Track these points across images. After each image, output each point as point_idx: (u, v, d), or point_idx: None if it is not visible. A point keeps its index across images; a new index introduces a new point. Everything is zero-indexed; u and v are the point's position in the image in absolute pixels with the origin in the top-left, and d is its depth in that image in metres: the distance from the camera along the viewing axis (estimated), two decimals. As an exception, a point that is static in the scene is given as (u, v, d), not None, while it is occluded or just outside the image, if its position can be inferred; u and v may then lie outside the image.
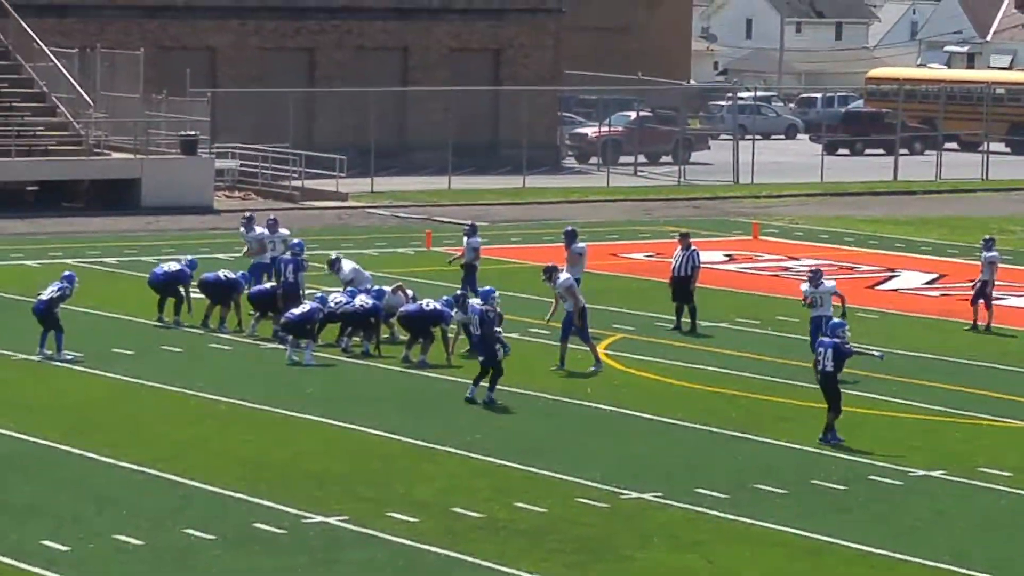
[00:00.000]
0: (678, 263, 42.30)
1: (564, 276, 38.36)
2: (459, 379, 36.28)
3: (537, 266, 49.25)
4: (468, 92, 77.36)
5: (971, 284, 44.26)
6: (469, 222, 47.58)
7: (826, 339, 32.16)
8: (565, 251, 41.89)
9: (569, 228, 42.89)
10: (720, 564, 25.01)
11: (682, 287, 42.18)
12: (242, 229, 44.28)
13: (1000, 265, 44.34)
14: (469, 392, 34.43)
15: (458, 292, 38.20)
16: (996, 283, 43.62)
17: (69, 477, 28.76)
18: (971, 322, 43.15)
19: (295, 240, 41.90)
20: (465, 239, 44.73)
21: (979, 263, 44.04)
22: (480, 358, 34.58)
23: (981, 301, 42.99)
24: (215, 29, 76.91)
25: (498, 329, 35.23)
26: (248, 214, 45.60)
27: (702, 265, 43.23)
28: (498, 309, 36.10)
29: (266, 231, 43.47)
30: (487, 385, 34.23)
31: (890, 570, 24.94)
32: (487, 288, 36.76)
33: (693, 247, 42.84)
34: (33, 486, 28.07)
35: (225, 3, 77.34)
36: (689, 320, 41.99)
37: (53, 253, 52.45)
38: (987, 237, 44.87)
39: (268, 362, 37.95)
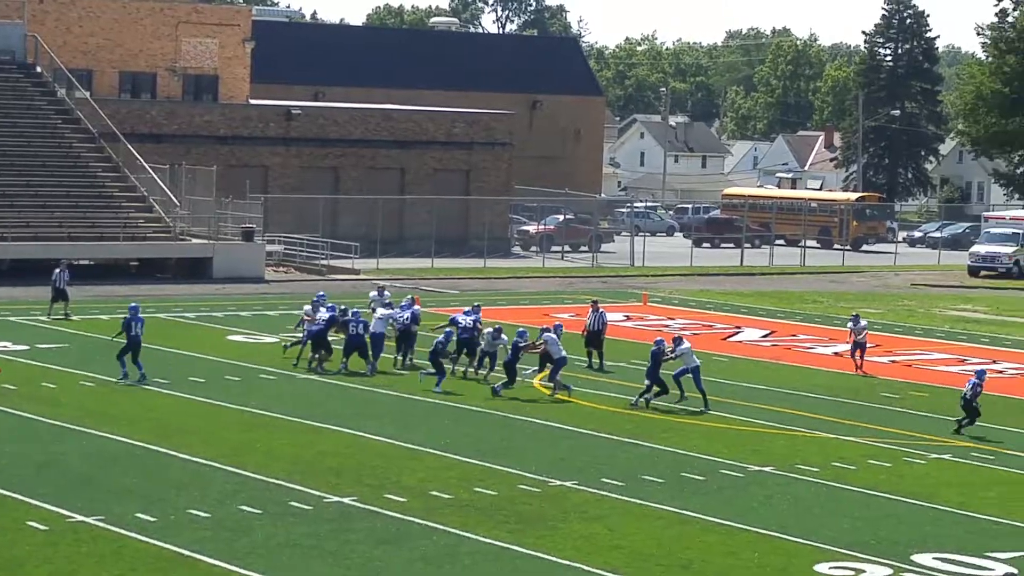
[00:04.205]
0: (591, 321, 42.22)
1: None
2: (438, 401, 36.16)
3: (491, 322, 49.25)
4: (447, 200, 77.36)
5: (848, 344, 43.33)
6: (378, 288, 45.99)
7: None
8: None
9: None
10: (617, 531, 24.88)
11: (595, 338, 42.07)
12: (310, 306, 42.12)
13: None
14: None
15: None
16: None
17: (156, 469, 28.46)
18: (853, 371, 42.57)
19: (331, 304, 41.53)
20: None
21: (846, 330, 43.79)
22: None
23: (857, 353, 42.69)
24: (268, 153, 76.81)
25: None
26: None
27: (608, 323, 43.23)
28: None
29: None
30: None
31: (733, 536, 24.82)
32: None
33: (601, 310, 42.77)
34: (130, 475, 27.77)
35: (275, 135, 77.24)
36: (598, 361, 41.88)
37: (149, 310, 52.10)
38: (855, 314, 44.15)
39: (301, 387, 37.72)
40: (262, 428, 32.50)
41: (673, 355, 36.46)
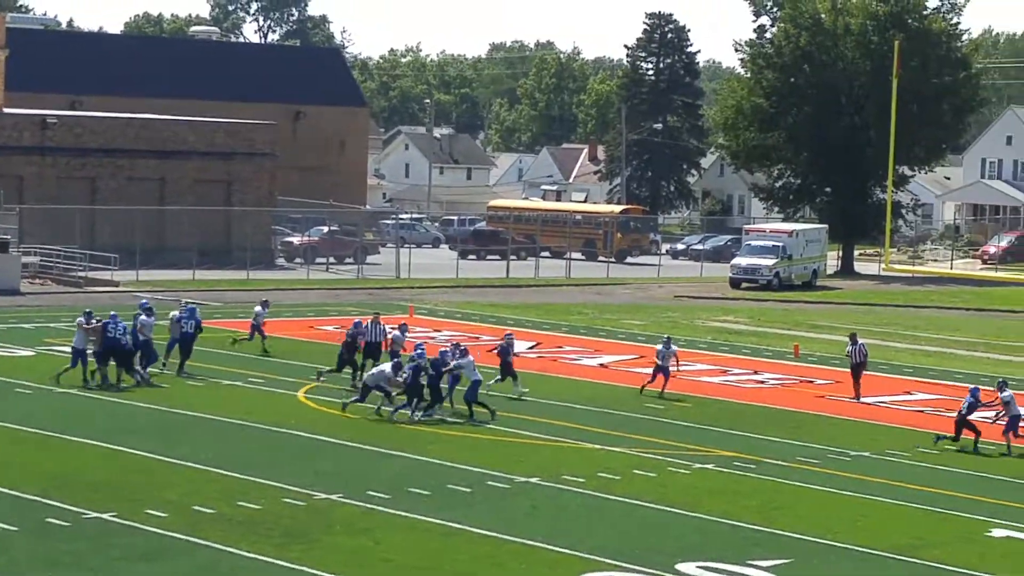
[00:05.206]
0: (371, 332, 41.80)
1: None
2: (200, 414, 35.78)
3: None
4: (208, 211, 76.57)
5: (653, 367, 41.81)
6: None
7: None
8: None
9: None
10: (384, 544, 24.90)
11: (375, 349, 41.65)
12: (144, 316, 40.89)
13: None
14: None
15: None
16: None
17: (-91, 485, 27.74)
18: (658, 389, 41.11)
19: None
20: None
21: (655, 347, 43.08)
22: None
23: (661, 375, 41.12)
24: (23, 162, 75.06)
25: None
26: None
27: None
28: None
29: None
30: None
31: (499, 547, 25.02)
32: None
33: (381, 323, 42.58)
34: None
35: (30, 144, 75.55)
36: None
37: (-100, 323, 50.71)
38: (667, 337, 43.26)
39: (59, 402, 36.98)
40: (18, 444, 31.80)
41: (454, 365, 36.81)
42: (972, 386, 37.11)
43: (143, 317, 40.63)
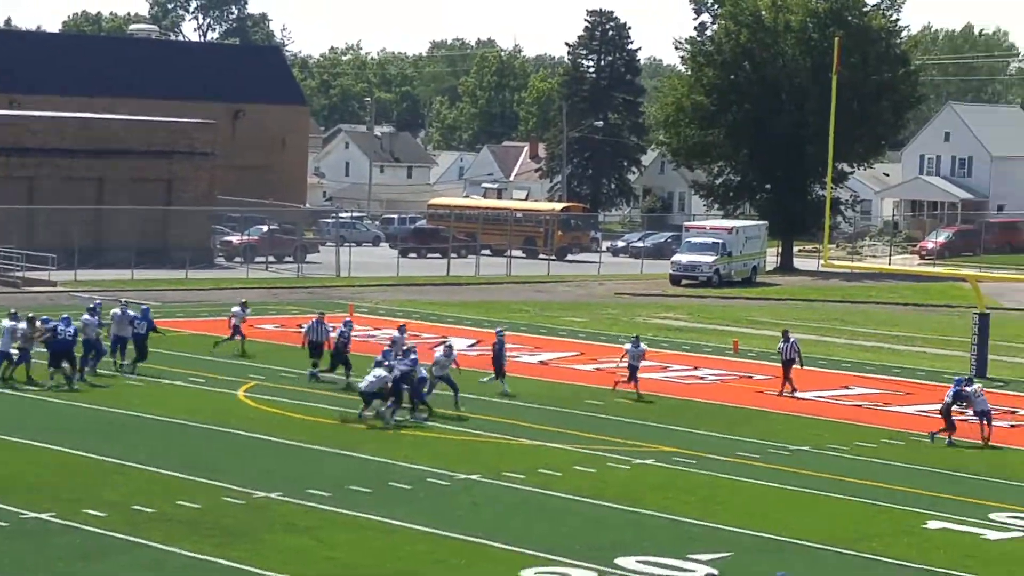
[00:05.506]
0: (315, 332, 41.93)
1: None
2: (141, 414, 35.70)
3: (195, 333, 48.87)
4: (147, 210, 76.22)
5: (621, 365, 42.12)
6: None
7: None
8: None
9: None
10: (326, 542, 24.94)
11: (317, 349, 41.76)
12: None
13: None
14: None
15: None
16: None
17: None
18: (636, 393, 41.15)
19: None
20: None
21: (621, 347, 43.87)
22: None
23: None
24: (-40, 162, 74.75)
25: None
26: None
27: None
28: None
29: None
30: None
31: (440, 543, 25.12)
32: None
33: (325, 323, 42.53)
34: None
35: (-33, 144, 75.23)
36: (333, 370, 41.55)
37: None
38: (636, 336, 43.59)
39: (-3, 403, 36.93)
40: (-45, 445, 31.70)
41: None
42: (956, 376, 37.62)
43: (85, 316, 40.73)
